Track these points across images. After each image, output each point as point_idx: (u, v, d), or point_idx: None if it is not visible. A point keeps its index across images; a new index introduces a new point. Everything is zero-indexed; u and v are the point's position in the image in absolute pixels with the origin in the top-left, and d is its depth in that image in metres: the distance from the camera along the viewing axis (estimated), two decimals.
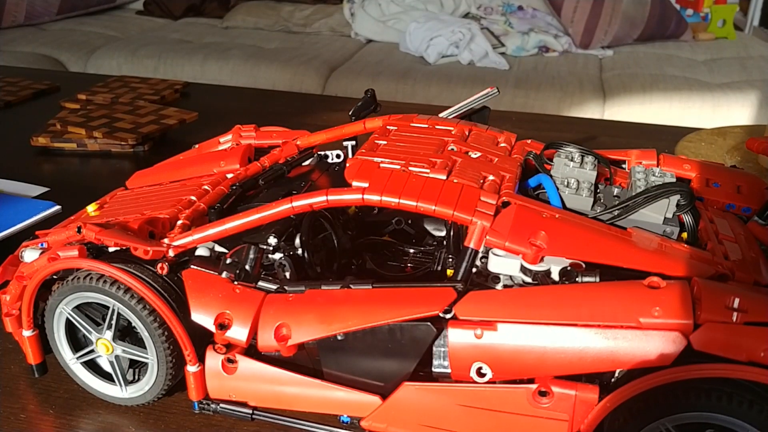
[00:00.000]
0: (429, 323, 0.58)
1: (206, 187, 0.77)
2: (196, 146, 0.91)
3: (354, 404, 0.62)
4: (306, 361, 0.64)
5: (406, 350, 0.59)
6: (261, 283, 0.63)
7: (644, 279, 0.54)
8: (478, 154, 0.69)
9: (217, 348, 0.63)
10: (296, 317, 0.60)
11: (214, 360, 0.64)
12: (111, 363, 0.68)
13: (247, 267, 0.63)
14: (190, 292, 0.63)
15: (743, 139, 1.36)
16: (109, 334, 0.66)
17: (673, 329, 0.51)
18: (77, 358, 0.70)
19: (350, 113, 0.86)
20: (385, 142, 0.71)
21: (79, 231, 0.66)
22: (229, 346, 0.64)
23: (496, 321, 0.55)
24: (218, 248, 0.68)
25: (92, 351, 0.69)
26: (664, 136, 1.45)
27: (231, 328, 0.61)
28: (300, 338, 0.60)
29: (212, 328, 0.61)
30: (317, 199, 0.63)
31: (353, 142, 0.84)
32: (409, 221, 0.82)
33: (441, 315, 0.58)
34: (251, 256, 0.64)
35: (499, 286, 0.61)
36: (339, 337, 0.60)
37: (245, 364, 0.63)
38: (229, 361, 0.64)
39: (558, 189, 0.65)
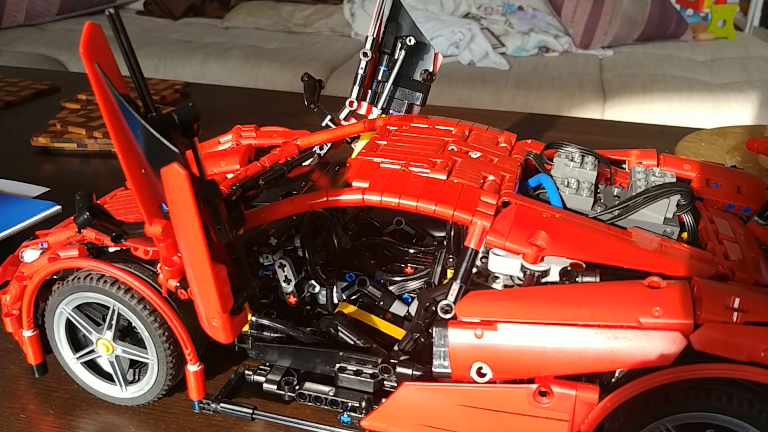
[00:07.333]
0: None
1: None
2: None
3: None
4: None
5: None
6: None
7: (644, 279, 0.54)
8: (479, 154, 0.69)
9: None
10: None
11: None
12: (111, 363, 0.68)
13: None
14: None
15: (743, 139, 1.36)
16: (109, 334, 0.66)
17: (673, 329, 0.51)
18: (77, 358, 0.70)
19: (307, 104, 0.85)
20: (385, 142, 0.71)
21: (79, 231, 0.66)
22: None
23: (496, 321, 0.55)
24: None
25: (92, 351, 0.69)
26: (664, 136, 1.45)
27: None
28: None
29: None
30: (317, 200, 0.63)
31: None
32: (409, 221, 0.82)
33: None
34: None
35: (499, 286, 0.61)
36: None
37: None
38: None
39: (558, 189, 0.65)
